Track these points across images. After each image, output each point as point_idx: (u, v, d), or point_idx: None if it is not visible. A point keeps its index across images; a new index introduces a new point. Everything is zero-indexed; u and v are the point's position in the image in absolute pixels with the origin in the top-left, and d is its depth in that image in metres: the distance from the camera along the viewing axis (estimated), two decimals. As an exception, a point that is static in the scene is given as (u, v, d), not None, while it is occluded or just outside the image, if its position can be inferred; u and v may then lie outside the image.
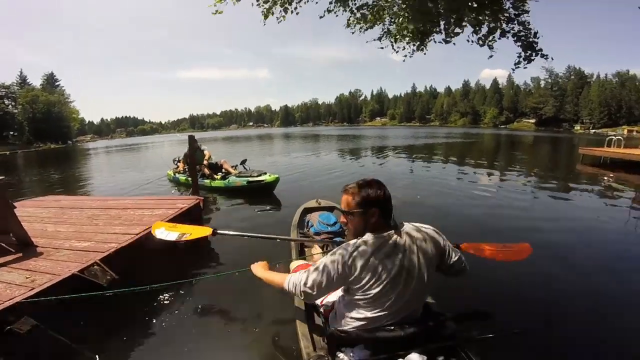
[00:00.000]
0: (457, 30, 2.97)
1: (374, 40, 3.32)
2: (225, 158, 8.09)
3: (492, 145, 23.11)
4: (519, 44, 3.19)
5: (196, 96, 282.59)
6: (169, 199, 4.40)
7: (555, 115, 64.16)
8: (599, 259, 3.53)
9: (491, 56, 3.32)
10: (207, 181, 7.03)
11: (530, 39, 3.16)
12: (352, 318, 1.36)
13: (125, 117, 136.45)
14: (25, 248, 2.67)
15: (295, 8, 2.48)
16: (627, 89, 57.21)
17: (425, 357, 1.22)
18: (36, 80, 56.49)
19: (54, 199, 4.65)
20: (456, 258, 1.47)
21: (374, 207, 1.31)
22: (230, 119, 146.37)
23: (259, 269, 1.70)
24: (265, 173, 6.91)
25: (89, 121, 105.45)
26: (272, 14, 2.41)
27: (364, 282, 1.30)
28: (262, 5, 2.35)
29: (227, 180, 6.97)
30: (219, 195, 6.76)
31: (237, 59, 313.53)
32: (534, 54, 3.21)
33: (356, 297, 1.34)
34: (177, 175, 8.04)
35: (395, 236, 1.32)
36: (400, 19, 2.94)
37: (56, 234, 3.07)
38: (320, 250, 2.46)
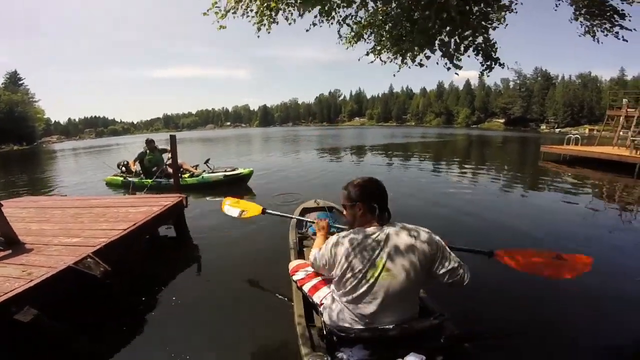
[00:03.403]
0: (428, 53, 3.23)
1: (364, 56, 3.49)
2: (184, 159, 7.83)
3: (464, 145, 24.11)
4: (479, 55, 3.53)
5: (171, 96, 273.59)
6: (152, 197, 4.47)
7: (523, 115, 67.30)
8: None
9: (460, 67, 3.60)
10: (172, 180, 7.04)
11: (489, 51, 3.51)
12: (339, 314, 1.42)
13: (95, 117, 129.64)
14: (13, 246, 2.72)
15: (287, 19, 2.72)
16: (589, 89, 60.97)
17: (424, 357, 1.22)
18: (-1, 80, 52.07)
19: (32, 200, 4.60)
20: (447, 269, 1.39)
21: (359, 202, 1.46)
22: (206, 118, 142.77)
23: (320, 227, 2.02)
24: (237, 168, 7.55)
25: (54, 121, 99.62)
26: (265, 26, 2.66)
27: (342, 271, 1.39)
28: (252, 20, 2.58)
29: (199, 177, 7.24)
30: (187, 192, 6.85)
31: (214, 58, 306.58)
32: (493, 63, 3.57)
33: (339, 289, 1.43)
34: (129, 179, 7.27)
35: (377, 232, 1.39)
36: (380, 37, 3.16)
37: (42, 231, 3.12)
38: None
